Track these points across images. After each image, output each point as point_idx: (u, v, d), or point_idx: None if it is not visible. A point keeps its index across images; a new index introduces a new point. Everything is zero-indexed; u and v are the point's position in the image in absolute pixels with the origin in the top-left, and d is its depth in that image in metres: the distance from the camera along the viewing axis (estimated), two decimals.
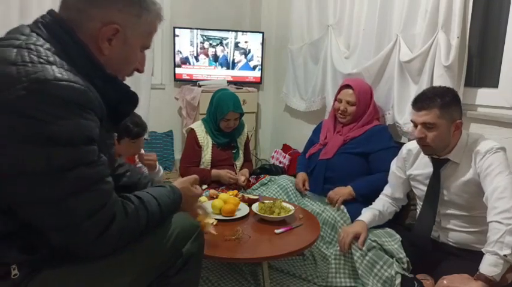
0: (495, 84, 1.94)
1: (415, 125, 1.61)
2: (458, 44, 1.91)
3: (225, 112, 2.34)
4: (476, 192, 1.55)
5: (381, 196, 1.93)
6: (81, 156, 0.83)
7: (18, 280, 0.87)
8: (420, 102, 1.58)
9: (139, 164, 2.25)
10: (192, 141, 2.44)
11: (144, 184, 1.35)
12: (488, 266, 1.31)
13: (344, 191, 2.07)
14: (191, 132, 2.46)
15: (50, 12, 0.93)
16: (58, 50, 0.88)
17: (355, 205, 2.00)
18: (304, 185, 2.24)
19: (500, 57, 1.90)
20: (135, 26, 0.96)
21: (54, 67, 0.82)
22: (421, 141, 1.60)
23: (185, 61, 3.46)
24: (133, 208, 0.95)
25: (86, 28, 0.91)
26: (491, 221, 1.39)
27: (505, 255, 1.30)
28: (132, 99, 1.04)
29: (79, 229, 0.84)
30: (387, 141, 2.17)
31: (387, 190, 1.92)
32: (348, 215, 2.00)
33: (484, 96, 2.00)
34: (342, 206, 2.04)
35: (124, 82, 1.03)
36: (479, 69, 2.07)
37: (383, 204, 1.88)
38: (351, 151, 2.18)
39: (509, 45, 1.86)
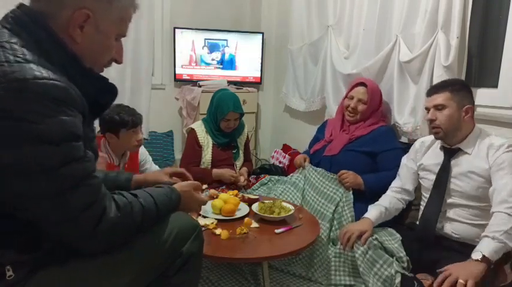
0: (495, 84, 1.94)
1: (428, 111, 1.71)
2: (457, 44, 1.92)
3: (225, 112, 2.34)
4: (485, 183, 1.60)
5: (388, 192, 1.94)
6: (67, 153, 0.83)
7: (14, 281, 0.86)
8: (433, 88, 1.74)
9: (145, 167, 2.27)
10: (192, 141, 2.45)
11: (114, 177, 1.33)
12: (494, 252, 1.39)
13: (356, 180, 2.07)
14: (191, 132, 2.46)
15: (20, 6, 0.91)
16: (32, 45, 0.86)
17: (360, 205, 2.00)
18: (305, 160, 2.28)
19: (500, 57, 1.91)
20: (106, 12, 0.94)
21: (32, 65, 0.81)
22: (432, 124, 1.69)
23: (189, 62, 3.46)
24: (126, 202, 0.95)
25: (58, 17, 0.89)
26: (499, 212, 1.47)
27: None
28: (111, 91, 1.03)
29: (76, 222, 0.85)
30: (394, 142, 2.18)
31: (396, 183, 1.94)
32: (351, 195, 2.04)
33: (483, 96, 2.00)
34: (350, 192, 2.06)
35: (102, 75, 1.01)
36: (478, 69, 2.07)
37: (389, 200, 1.89)
38: (356, 149, 2.18)
39: (508, 45, 1.86)
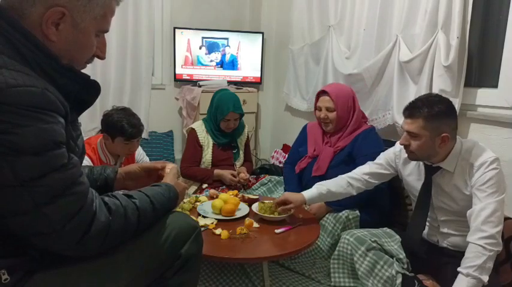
0: (495, 85, 1.94)
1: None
2: (458, 44, 1.91)
3: (225, 113, 2.34)
4: (470, 200, 1.55)
5: (343, 176, 1.88)
6: (49, 163, 0.79)
7: (10, 284, 0.85)
8: (408, 109, 1.58)
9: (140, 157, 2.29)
10: (193, 141, 2.45)
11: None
12: None
13: (321, 212, 2.04)
14: (192, 132, 2.46)
15: None
16: (4, 45, 0.82)
17: (363, 213, 2.00)
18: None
19: (500, 57, 1.90)
20: (85, 9, 0.88)
21: (4, 71, 0.77)
22: (405, 148, 1.62)
23: (191, 62, 3.46)
24: (119, 204, 0.92)
25: (29, 14, 0.84)
26: (475, 243, 1.42)
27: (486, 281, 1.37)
28: (93, 87, 0.97)
29: (61, 233, 0.82)
30: (374, 146, 2.07)
31: (362, 169, 1.86)
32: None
33: (483, 96, 2.00)
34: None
35: (83, 71, 0.95)
36: (479, 69, 2.07)
37: (337, 183, 1.84)
38: (342, 161, 2.12)
39: (508, 45, 1.86)
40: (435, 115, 1.51)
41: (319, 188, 1.83)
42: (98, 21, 0.92)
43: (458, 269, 1.43)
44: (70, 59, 0.92)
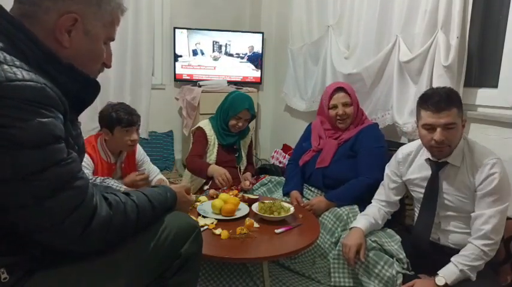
0: (495, 85, 1.94)
1: (432, 128, 1.52)
2: (457, 44, 1.91)
3: (238, 110, 2.34)
4: (471, 197, 1.56)
5: (373, 202, 1.88)
6: (49, 157, 0.80)
7: (10, 284, 0.85)
8: (438, 102, 1.49)
9: (143, 167, 2.28)
10: (201, 137, 2.43)
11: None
12: (456, 281, 1.46)
13: (320, 206, 2.04)
14: (200, 130, 2.45)
15: None
16: (5, 44, 0.83)
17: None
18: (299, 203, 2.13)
19: (500, 57, 1.90)
20: (96, 15, 0.92)
21: (4, 66, 0.78)
22: (442, 144, 1.52)
23: (188, 62, 3.47)
24: (118, 200, 0.93)
25: (44, 22, 0.87)
26: (479, 248, 1.48)
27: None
28: (93, 86, 0.98)
29: (62, 227, 0.82)
30: (376, 141, 2.11)
31: (380, 194, 1.87)
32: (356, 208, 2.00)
33: (483, 96, 2.00)
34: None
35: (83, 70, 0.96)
36: (479, 69, 2.07)
37: (377, 211, 1.83)
38: (346, 154, 2.14)
39: (509, 45, 1.86)
40: (461, 102, 1.55)
41: (365, 218, 1.78)
42: (107, 29, 0.96)
43: (453, 259, 1.48)
44: (81, 66, 0.93)
